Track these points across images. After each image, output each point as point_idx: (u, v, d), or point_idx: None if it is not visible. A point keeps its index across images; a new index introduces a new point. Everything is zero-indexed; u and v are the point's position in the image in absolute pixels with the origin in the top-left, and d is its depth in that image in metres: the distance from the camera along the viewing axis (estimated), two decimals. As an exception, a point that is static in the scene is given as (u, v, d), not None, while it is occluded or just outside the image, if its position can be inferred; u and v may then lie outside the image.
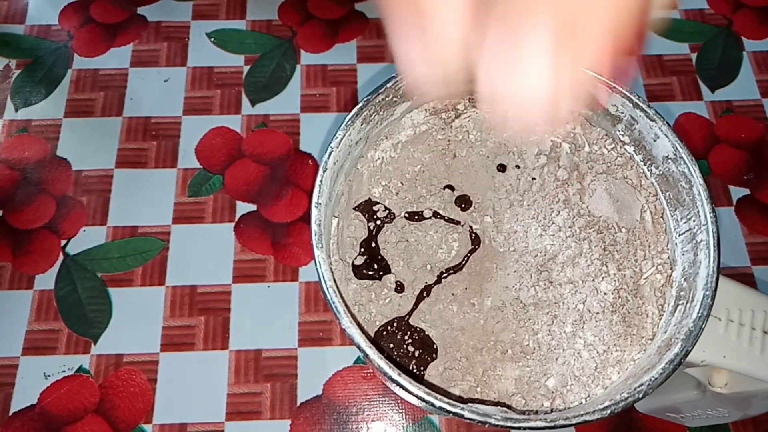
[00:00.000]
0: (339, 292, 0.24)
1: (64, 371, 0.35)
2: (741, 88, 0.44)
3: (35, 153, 0.40)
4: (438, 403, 0.21)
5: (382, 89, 0.26)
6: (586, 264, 0.26)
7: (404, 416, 0.34)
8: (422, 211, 0.28)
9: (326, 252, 0.25)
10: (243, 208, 0.39)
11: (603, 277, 0.26)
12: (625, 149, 0.28)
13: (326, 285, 0.23)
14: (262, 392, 0.34)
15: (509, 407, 0.24)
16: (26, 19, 0.45)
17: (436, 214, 0.28)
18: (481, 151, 0.29)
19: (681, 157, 0.25)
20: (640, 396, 0.21)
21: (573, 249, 0.26)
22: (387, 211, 0.28)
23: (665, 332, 0.24)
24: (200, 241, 0.38)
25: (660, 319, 0.25)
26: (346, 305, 0.24)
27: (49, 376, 0.34)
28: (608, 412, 0.21)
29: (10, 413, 0.33)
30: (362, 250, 0.27)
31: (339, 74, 0.44)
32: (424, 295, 0.26)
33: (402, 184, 0.29)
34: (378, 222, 0.28)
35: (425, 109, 0.30)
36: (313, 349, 0.36)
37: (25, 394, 0.34)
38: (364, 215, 0.28)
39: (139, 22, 0.45)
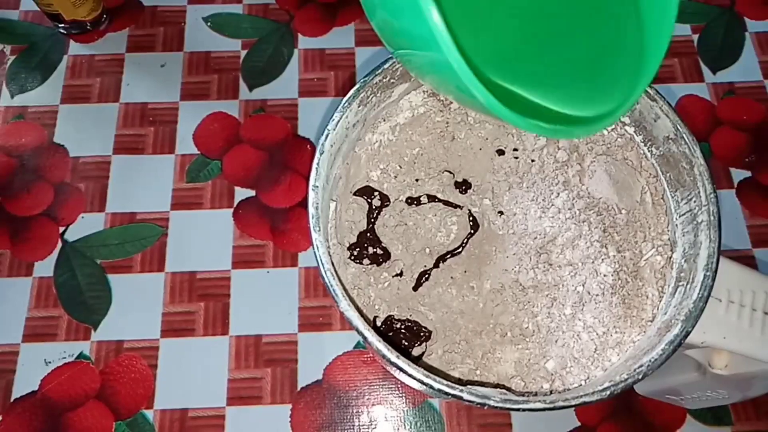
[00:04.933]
0: (337, 275, 0.23)
1: (64, 358, 0.35)
2: (743, 70, 0.43)
3: (32, 140, 0.40)
4: (437, 386, 0.21)
5: (380, 70, 0.26)
6: (585, 246, 0.26)
7: (404, 400, 0.34)
8: (420, 196, 0.28)
9: (324, 235, 0.25)
10: (241, 193, 0.39)
11: (603, 259, 0.26)
12: (626, 130, 0.28)
13: (324, 268, 0.23)
14: (263, 377, 0.34)
15: (509, 389, 0.24)
16: (20, 4, 0.45)
17: (434, 198, 0.28)
18: (480, 133, 0.29)
19: (681, 137, 0.25)
20: (640, 377, 0.21)
21: (572, 231, 0.26)
22: (384, 197, 0.28)
23: (665, 314, 0.24)
24: (199, 227, 0.38)
25: (660, 301, 0.25)
26: (344, 288, 0.24)
27: (49, 362, 0.34)
28: (608, 393, 0.21)
29: (12, 400, 0.33)
30: (360, 234, 0.27)
31: (337, 58, 0.43)
32: (423, 278, 0.26)
33: (400, 167, 0.28)
34: (376, 207, 0.28)
35: (423, 91, 0.29)
36: (313, 334, 0.35)
37: (26, 381, 0.34)
38: (364, 198, 0.28)
39: (135, 6, 0.45)
